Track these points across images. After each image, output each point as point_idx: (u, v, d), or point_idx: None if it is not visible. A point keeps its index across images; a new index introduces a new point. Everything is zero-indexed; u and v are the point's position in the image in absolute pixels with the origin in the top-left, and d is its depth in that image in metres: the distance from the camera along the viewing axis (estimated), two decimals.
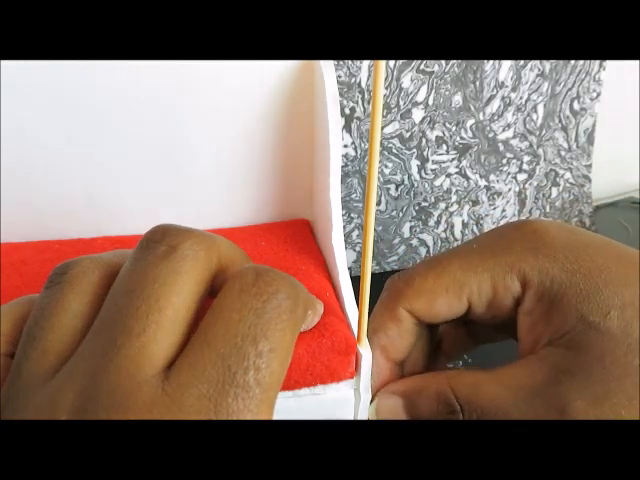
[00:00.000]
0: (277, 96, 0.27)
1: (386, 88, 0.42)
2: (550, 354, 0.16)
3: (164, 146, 0.27)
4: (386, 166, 0.45)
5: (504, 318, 0.18)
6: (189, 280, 0.14)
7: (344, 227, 0.45)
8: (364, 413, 0.21)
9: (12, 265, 0.25)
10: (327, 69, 0.24)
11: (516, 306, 0.18)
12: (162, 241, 0.15)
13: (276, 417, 0.18)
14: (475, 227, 0.51)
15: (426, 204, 0.48)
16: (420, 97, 0.43)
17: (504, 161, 0.49)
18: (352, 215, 0.45)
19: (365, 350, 0.20)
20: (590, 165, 0.53)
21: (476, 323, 0.19)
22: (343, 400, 0.20)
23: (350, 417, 0.21)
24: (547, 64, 0.47)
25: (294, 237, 0.28)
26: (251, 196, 0.29)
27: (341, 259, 0.23)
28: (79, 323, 0.14)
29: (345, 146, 0.42)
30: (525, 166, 0.50)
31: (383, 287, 0.21)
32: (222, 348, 0.13)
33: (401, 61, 0.41)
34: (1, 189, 0.26)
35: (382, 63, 0.16)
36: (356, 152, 0.43)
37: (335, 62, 0.39)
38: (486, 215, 0.51)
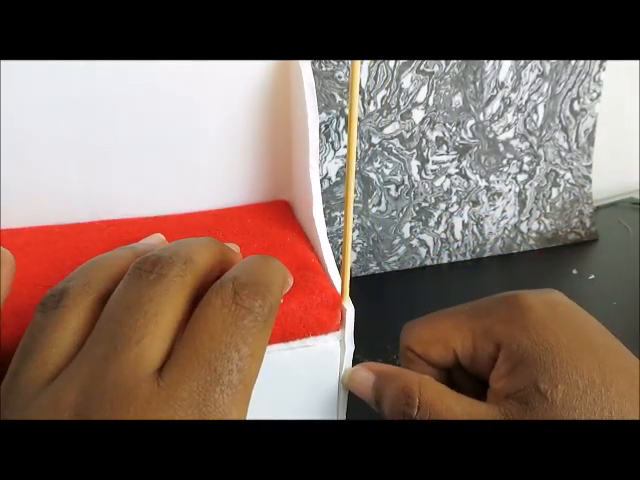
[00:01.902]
0: (256, 90, 0.28)
1: (386, 89, 0.42)
2: (507, 404, 0.19)
3: (157, 136, 0.28)
4: (386, 167, 0.45)
5: (486, 371, 0.21)
6: (179, 298, 0.17)
7: None
8: (349, 362, 0.24)
9: (16, 247, 0.25)
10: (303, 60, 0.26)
11: (493, 362, 0.21)
12: (152, 270, 0.17)
13: (273, 368, 0.21)
14: (475, 227, 0.51)
15: (426, 204, 0.48)
16: (420, 97, 0.43)
17: (504, 161, 0.49)
18: None
19: (349, 305, 0.23)
20: (590, 165, 0.53)
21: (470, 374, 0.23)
22: (330, 351, 0.23)
23: (336, 367, 0.23)
24: (547, 65, 0.47)
25: (276, 215, 0.30)
26: (237, 181, 0.31)
27: (322, 230, 0.26)
28: (77, 339, 0.17)
29: (345, 147, 0.42)
30: (525, 166, 0.50)
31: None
32: (208, 354, 0.16)
33: (401, 61, 0.41)
34: (1, 177, 0.26)
35: (358, 63, 0.17)
36: (355, 152, 0.43)
37: (335, 62, 0.39)
38: (486, 215, 0.51)
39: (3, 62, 0.24)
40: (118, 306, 0.17)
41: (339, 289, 0.23)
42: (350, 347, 0.23)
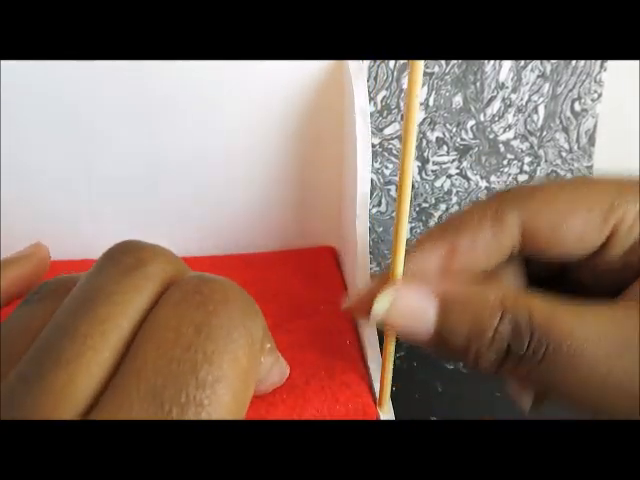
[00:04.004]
0: (303, 114, 0.24)
1: (386, 89, 0.42)
2: None
3: (182, 168, 0.25)
4: (387, 167, 0.45)
5: (620, 277, 0.14)
6: (148, 300, 0.12)
7: None
8: None
9: None
10: (357, 81, 0.21)
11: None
12: (131, 254, 0.12)
13: None
14: None
15: (427, 205, 0.48)
16: (420, 98, 0.43)
17: (505, 162, 0.49)
18: None
19: (388, 416, 0.17)
20: (591, 166, 0.53)
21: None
22: None
23: None
24: (548, 65, 0.46)
25: (316, 268, 0.24)
26: (273, 221, 0.26)
27: None
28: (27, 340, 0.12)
29: None
30: (526, 167, 0.50)
31: None
32: (153, 378, 0.10)
33: (401, 62, 0.41)
34: (1, 205, 0.25)
35: (420, 63, 0.15)
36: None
37: None
38: None
39: (5, 69, 0.23)
40: (70, 304, 0.12)
41: (377, 389, 0.17)
42: None
